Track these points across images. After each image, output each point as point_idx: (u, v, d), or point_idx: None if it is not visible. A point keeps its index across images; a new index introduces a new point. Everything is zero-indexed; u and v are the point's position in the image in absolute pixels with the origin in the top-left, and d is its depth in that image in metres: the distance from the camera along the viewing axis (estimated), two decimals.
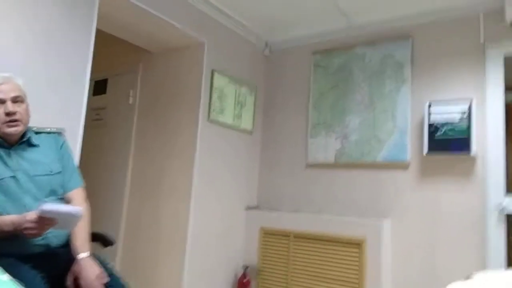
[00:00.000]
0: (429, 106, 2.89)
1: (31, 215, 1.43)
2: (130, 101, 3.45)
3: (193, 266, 2.98)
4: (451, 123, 2.79)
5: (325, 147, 3.36)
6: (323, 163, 3.36)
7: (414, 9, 3.05)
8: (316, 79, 3.51)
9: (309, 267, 3.06)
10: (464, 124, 2.75)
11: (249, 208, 3.54)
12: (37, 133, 1.74)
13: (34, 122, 1.75)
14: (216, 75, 3.22)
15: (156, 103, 3.32)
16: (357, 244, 2.88)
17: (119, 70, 3.59)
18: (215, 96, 3.22)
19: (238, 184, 3.47)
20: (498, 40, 2.80)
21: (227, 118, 3.35)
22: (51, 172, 1.68)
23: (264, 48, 3.81)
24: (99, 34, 2.64)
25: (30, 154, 1.66)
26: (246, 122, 3.56)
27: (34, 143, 1.69)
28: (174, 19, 2.89)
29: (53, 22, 2.20)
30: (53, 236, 1.60)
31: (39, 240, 1.56)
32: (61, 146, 1.79)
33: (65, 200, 1.72)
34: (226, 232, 3.32)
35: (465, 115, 2.76)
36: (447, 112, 2.82)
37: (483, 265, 2.63)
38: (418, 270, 2.85)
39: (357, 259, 2.87)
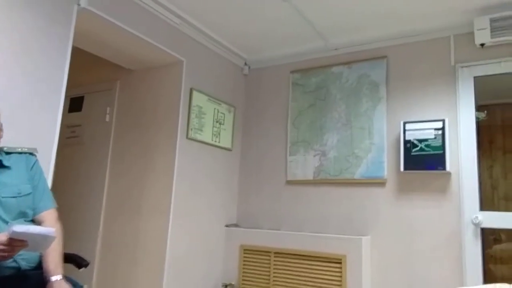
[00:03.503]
0: (404, 124, 2.96)
1: (1, 236, 1.37)
2: (107, 118, 3.40)
3: (171, 285, 2.91)
4: (426, 140, 2.86)
5: (304, 165, 3.38)
6: (302, 180, 3.37)
7: (389, 31, 3.15)
8: (295, 97, 3.56)
9: (290, 284, 3.03)
10: (438, 141, 2.83)
11: (228, 225, 3.50)
12: (7, 153, 1.69)
13: (6, 140, 1.70)
14: (194, 94, 3.22)
15: (133, 120, 3.29)
16: (338, 261, 2.88)
17: (96, 88, 3.54)
18: (193, 114, 3.21)
19: (217, 202, 3.44)
20: (468, 61, 2.91)
21: (206, 136, 3.34)
22: (20, 194, 1.63)
23: (243, 67, 3.85)
24: (76, 51, 2.61)
25: (0, 176, 1.61)
26: (225, 140, 3.56)
27: (5, 165, 1.64)
28: (153, 38, 2.89)
29: (28, 39, 2.17)
30: (24, 258, 1.55)
31: (9, 263, 1.50)
32: (32, 167, 1.74)
33: (36, 221, 1.67)
34: (206, 250, 3.27)
35: (439, 132, 2.84)
36: (422, 128, 2.89)
37: (460, 279, 2.67)
38: (398, 285, 2.87)
39: (338, 275, 2.87)
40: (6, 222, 1.53)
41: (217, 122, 3.46)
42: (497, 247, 3.09)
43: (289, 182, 3.45)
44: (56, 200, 1.80)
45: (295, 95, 3.56)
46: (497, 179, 3.24)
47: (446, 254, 2.76)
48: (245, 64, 3.86)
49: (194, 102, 3.22)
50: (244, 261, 3.29)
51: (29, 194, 1.67)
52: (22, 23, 2.14)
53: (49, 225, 1.65)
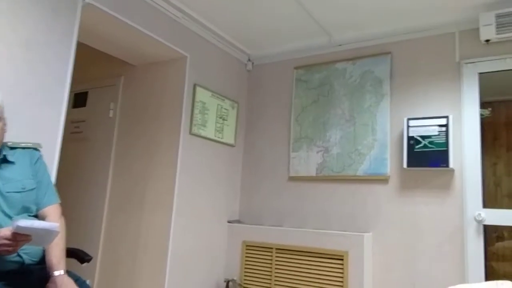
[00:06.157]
0: (408, 121, 2.95)
1: (5, 231, 1.39)
2: (111, 114, 3.41)
3: (174, 281, 2.92)
4: (430, 136, 2.85)
5: (306, 161, 3.38)
6: (305, 176, 3.37)
7: (393, 27, 3.13)
8: (298, 93, 3.55)
9: (292, 281, 3.04)
10: (442, 138, 2.82)
11: (231, 221, 3.51)
12: (12, 148, 1.70)
13: (10, 135, 1.71)
14: (198, 89, 3.23)
15: (137, 116, 3.29)
16: (340, 257, 2.89)
17: (100, 83, 3.55)
18: (197, 110, 3.21)
19: (220, 198, 3.45)
20: (473, 58, 2.89)
21: (209, 132, 3.34)
22: (24, 189, 1.64)
23: (246, 62, 3.84)
24: (81, 46, 2.62)
25: (4, 171, 1.62)
26: (228, 136, 3.56)
27: (9, 160, 1.65)
28: (157, 33, 2.89)
29: (33, 33, 2.17)
30: (27, 253, 1.56)
31: (13, 257, 1.51)
32: (36, 162, 1.75)
33: (39, 216, 1.68)
34: (208, 246, 3.28)
35: (443, 129, 2.82)
36: (426, 125, 2.88)
37: (462, 276, 2.67)
38: (399, 282, 2.87)
39: (340, 271, 2.87)
40: (10, 217, 1.54)
41: (220, 118, 3.47)
42: (500, 245, 3.08)
43: (292, 179, 3.45)
44: (59, 195, 1.81)
45: (299, 91, 3.55)
46: (500, 177, 3.22)
47: (449, 251, 2.75)
48: (249, 59, 3.85)
49: (197, 98, 3.22)
50: (246, 257, 3.30)
51: (33, 189, 1.68)
52: (26, 17, 2.14)
53: (52, 220, 1.66)
